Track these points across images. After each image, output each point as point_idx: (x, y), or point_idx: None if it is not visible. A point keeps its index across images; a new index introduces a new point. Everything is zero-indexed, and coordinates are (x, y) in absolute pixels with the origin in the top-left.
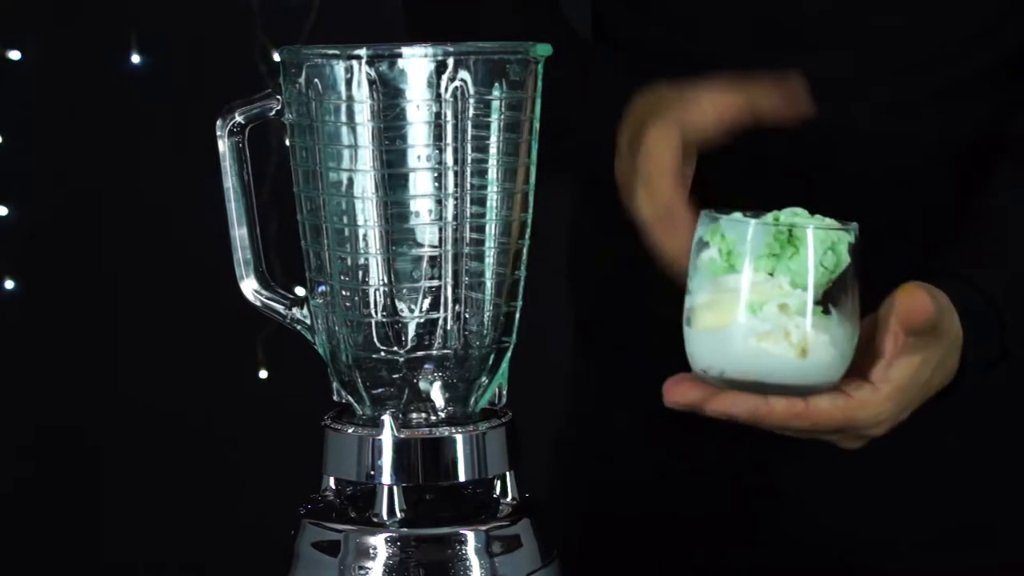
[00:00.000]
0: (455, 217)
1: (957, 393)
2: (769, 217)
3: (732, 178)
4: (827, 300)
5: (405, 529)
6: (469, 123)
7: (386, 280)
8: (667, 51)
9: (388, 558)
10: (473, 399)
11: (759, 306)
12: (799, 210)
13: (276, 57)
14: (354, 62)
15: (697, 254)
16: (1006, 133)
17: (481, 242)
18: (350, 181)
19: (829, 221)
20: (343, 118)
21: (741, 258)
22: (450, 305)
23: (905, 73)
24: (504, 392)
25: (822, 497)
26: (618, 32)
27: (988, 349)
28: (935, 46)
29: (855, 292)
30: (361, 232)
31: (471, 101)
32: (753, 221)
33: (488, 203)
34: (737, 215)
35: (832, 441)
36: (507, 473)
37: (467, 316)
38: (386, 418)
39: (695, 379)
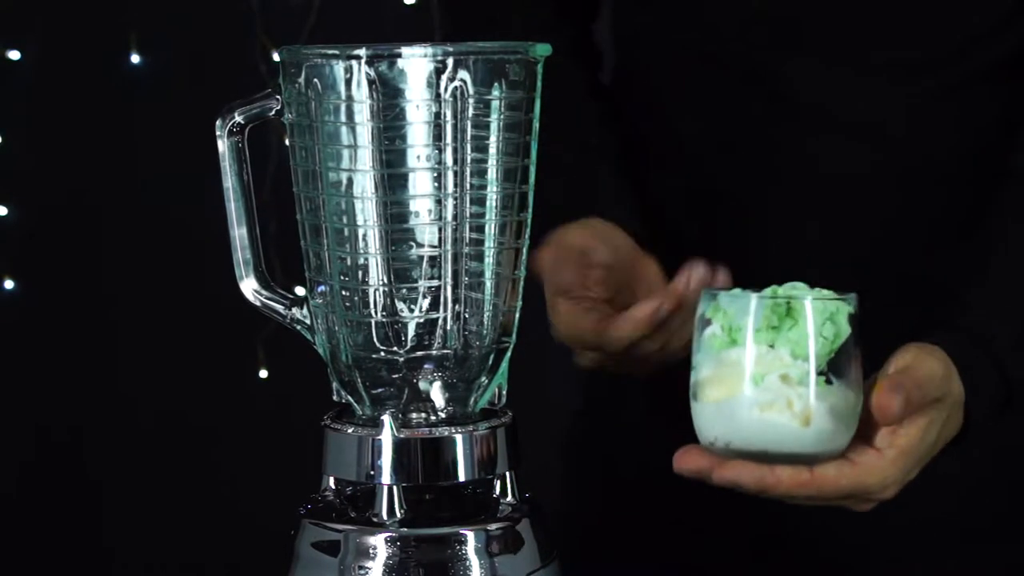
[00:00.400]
0: (455, 217)
1: (964, 445)
2: (768, 291)
3: (740, 181)
4: (829, 370)
5: (405, 529)
6: (468, 123)
7: (386, 280)
8: (675, 46)
9: (388, 558)
10: (473, 399)
11: (761, 377)
12: (798, 284)
13: (276, 57)
14: (354, 62)
15: (700, 331)
16: (1008, 162)
17: (481, 242)
18: (350, 181)
19: (827, 293)
20: (343, 118)
21: (742, 332)
22: (450, 305)
23: (907, 72)
24: (504, 392)
25: None
26: (629, 29)
27: (991, 402)
28: (936, 46)
29: (857, 361)
30: (361, 232)
31: (470, 101)
32: (753, 295)
33: (487, 203)
34: (737, 291)
35: (843, 506)
36: (507, 473)
37: (467, 316)
38: (386, 418)
39: (703, 449)
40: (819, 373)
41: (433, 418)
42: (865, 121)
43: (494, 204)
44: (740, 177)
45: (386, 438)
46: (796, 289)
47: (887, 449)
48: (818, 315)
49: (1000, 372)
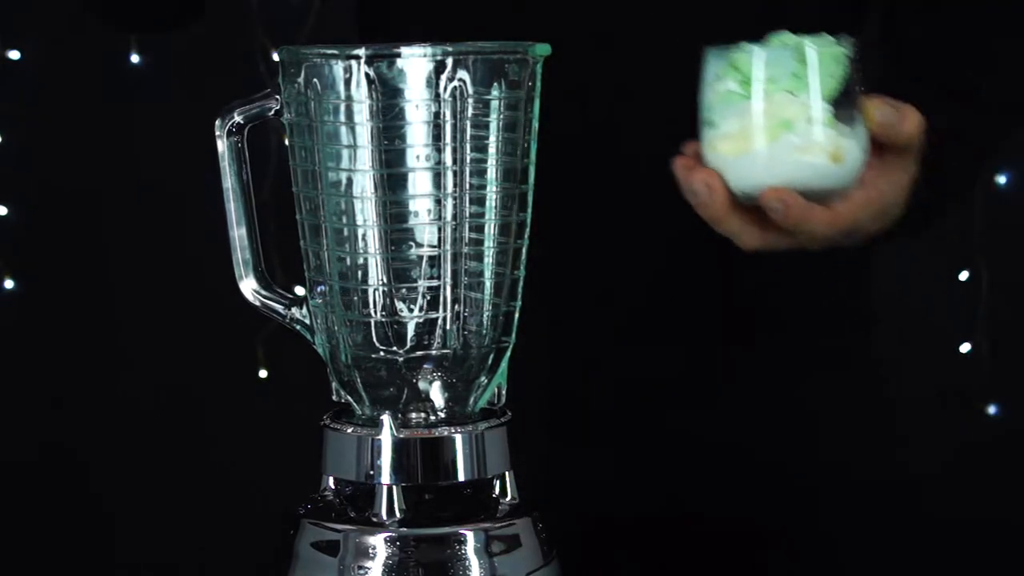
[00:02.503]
0: (454, 217)
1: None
2: (775, 41)
3: None
4: (842, 106)
5: (404, 529)
6: (468, 123)
7: (385, 280)
8: None
9: (387, 558)
10: (472, 399)
11: (788, 123)
12: (785, 33)
13: (276, 57)
14: (353, 62)
15: (713, 89)
16: None
17: (480, 242)
18: (349, 181)
19: (827, 37)
20: (342, 118)
21: (761, 83)
22: (449, 305)
23: None
24: (503, 392)
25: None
26: None
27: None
28: None
29: (860, 96)
30: (360, 232)
31: (470, 101)
32: (762, 48)
33: (487, 203)
34: (743, 45)
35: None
36: (507, 473)
37: (466, 316)
38: (385, 418)
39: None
40: (835, 112)
41: (432, 418)
42: None
43: (493, 204)
44: None
45: (385, 438)
46: (787, 37)
47: (869, 185)
48: (826, 58)
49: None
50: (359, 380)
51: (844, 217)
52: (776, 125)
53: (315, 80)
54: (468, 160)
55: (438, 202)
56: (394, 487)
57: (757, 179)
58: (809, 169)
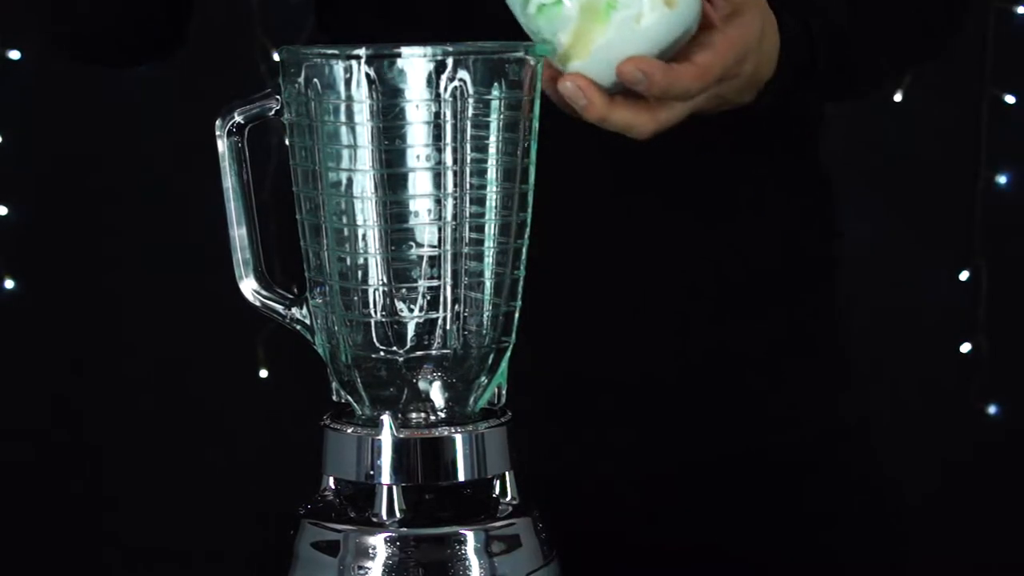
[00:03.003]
0: (454, 217)
1: (776, 85)
2: None
3: None
4: None
5: (404, 529)
6: (468, 123)
7: (385, 280)
8: None
9: (387, 558)
10: (472, 399)
11: (612, 2)
12: None
13: (276, 57)
14: (353, 62)
15: (528, 15)
16: None
17: (480, 242)
18: (349, 181)
19: None
20: (342, 118)
21: None
22: (449, 305)
23: None
24: (504, 392)
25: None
26: None
27: (799, 51)
28: None
29: None
30: (360, 232)
31: (470, 101)
32: None
33: (487, 203)
34: None
35: (724, 96)
36: (507, 473)
37: (466, 316)
38: (385, 418)
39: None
40: None
41: (433, 418)
42: None
43: (494, 204)
44: None
45: (385, 438)
46: None
47: (726, 28)
48: None
49: (808, 31)
50: (359, 380)
51: (710, 67)
52: (602, 11)
53: (315, 80)
54: (468, 160)
55: (438, 202)
56: (394, 487)
57: (617, 62)
58: (655, 30)
